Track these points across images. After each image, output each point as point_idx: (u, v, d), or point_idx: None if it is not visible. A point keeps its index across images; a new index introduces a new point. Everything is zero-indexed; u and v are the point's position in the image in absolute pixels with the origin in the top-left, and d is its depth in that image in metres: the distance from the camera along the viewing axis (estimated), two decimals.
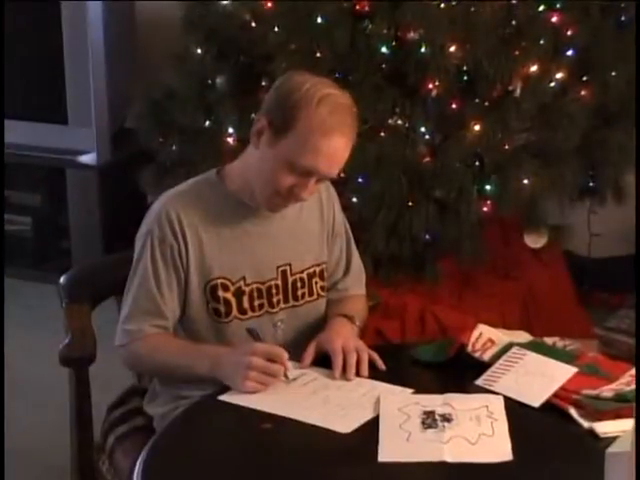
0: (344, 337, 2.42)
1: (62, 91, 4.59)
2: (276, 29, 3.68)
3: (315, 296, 2.57)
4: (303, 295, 2.54)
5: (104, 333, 2.55)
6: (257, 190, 2.42)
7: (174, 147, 3.85)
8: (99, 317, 2.65)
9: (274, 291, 2.50)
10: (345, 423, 2.15)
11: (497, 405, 2.19)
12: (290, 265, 2.52)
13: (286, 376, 2.30)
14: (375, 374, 2.35)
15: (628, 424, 1.92)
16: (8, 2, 4.58)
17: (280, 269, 2.51)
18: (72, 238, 4.73)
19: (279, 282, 2.50)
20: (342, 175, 3.52)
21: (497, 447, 2.05)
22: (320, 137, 2.30)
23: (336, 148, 2.32)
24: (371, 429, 2.13)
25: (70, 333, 2.57)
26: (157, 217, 2.43)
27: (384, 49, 3.52)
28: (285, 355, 2.29)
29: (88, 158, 4.65)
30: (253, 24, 3.73)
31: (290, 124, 2.31)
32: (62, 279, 2.68)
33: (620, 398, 2.20)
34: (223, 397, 2.27)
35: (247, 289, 2.47)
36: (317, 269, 2.57)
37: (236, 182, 2.47)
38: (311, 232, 2.57)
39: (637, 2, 3.91)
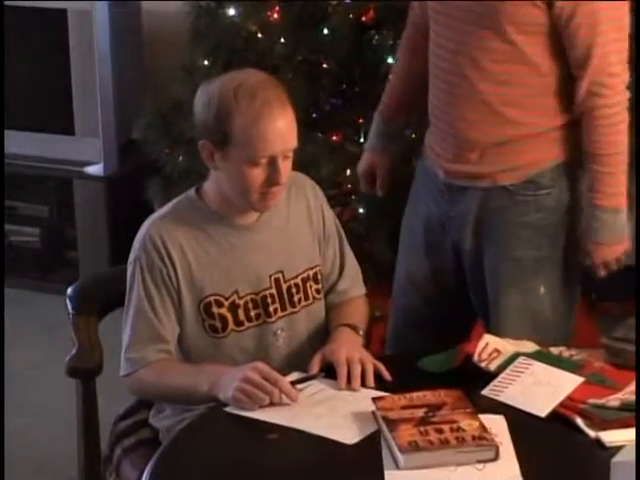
0: (348, 348, 2.42)
1: (69, 102, 4.60)
2: (282, 40, 3.70)
3: (311, 300, 2.57)
4: (299, 300, 2.55)
5: (111, 344, 2.56)
6: (241, 200, 2.45)
7: (181, 158, 3.86)
8: (106, 328, 2.66)
9: (269, 300, 2.51)
10: (350, 434, 2.16)
11: (499, 426, 2.17)
12: (282, 272, 2.53)
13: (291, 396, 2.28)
14: (381, 385, 2.35)
15: (634, 433, 1.93)
16: (15, 12, 4.60)
17: (273, 277, 2.52)
18: (79, 249, 4.74)
19: (273, 291, 2.51)
20: (349, 186, 3.56)
21: (504, 471, 2.03)
22: (259, 126, 2.33)
23: (278, 124, 2.35)
24: (375, 440, 2.13)
25: (77, 344, 2.58)
26: (142, 244, 2.45)
27: (390, 59, 3.53)
28: (283, 381, 2.28)
29: (95, 169, 4.66)
30: (260, 35, 3.75)
31: (229, 133, 2.36)
32: (69, 290, 2.69)
33: (626, 407, 2.20)
34: (229, 408, 2.27)
35: (241, 302, 2.48)
36: (311, 272, 2.57)
37: (215, 200, 2.49)
38: (300, 237, 2.58)
39: (637, 1, 3.88)
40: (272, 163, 2.37)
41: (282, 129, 2.36)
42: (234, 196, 2.45)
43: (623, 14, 2.56)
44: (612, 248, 2.65)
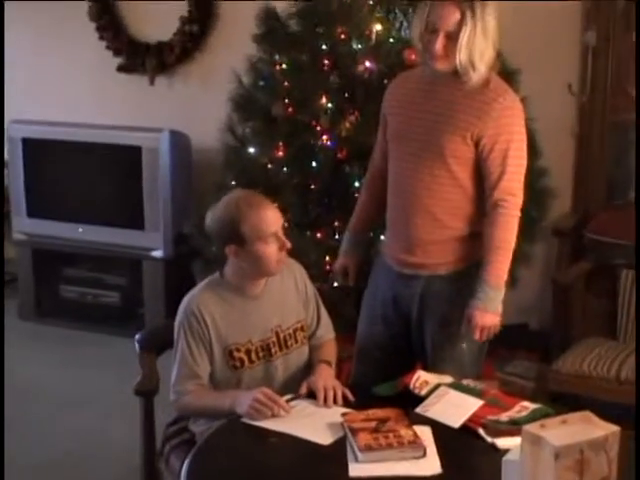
0: (325, 378, 2.41)
1: (141, 208, 4.61)
2: (285, 169, 3.70)
3: (299, 343, 2.55)
4: (292, 344, 2.53)
5: (165, 372, 2.53)
6: (263, 270, 2.44)
7: (214, 248, 3.85)
8: (162, 362, 2.63)
9: (272, 345, 2.49)
10: (325, 437, 2.15)
11: (427, 434, 2.16)
12: (280, 326, 2.51)
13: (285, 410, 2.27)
14: (347, 404, 2.34)
15: (518, 440, 1.91)
16: (107, 147, 4.63)
17: (274, 329, 2.50)
18: (145, 307, 4.72)
19: (274, 339, 2.49)
20: (328, 267, 3.53)
21: (430, 464, 2.03)
22: (261, 218, 2.38)
23: (270, 213, 2.42)
24: (343, 442, 2.12)
25: (142, 373, 2.57)
26: (186, 313, 2.44)
27: (357, 184, 3.53)
28: (281, 400, 2.28)
29: (157, 253, 4.65)
30: (270, 166, 3.74)
31: (242, 231, 2.37)
32: (138, 335, 2.67)
33: (513, 422, 2.18)
34: (244, 419, 2.26)
35: (253, 347, 2.47)
36: (298, 325, 2.55)
37: (233, 279, 2.48)
38: (291, 300, 2.56)
39: (637, 2, 3.72)
40: (276, 237, 2.40)
41: (274, 214, 2.42)
42: (258, 270, 2.44)
43: (524, 154, 2.55)
44: (489, 316, 2.52)
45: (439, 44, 2.44)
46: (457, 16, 2.41)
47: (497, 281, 2.52)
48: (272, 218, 2.41)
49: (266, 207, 2.41)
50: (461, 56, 2.43)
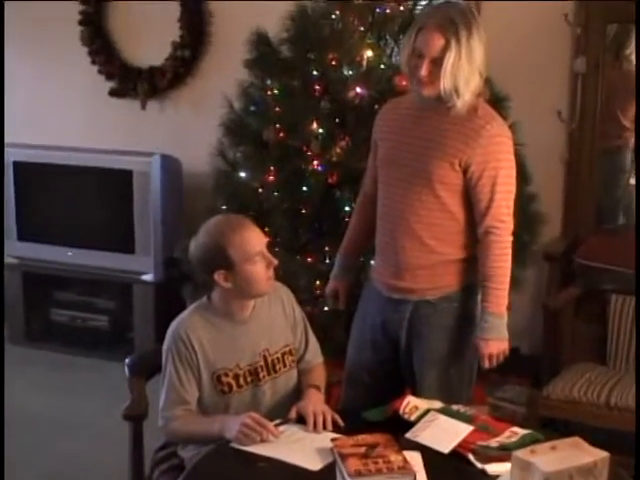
0: (314, 404, 2.40)
1: (132, 232, 4.62)
2: (276, 194, 3.71)
3: (288, 367, 2.54)
4: (280, 368, 2.52)
5: (154, 397, 2.52)
6: (256, 290, 2.44)
7: (202, 276, 3.83)
8: (151, 386, 2.62)
9: (259, 369, 2.48)
10: (315, 463, 2.14)
11: (416, 459, 2.14)
12: (268, 349, 2.50)
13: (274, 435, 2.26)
14: (337, 429, 2.32)
15: (508, 466, 1.91)
16: (98, 170, 4.63)
17: (262, 354, 2.49)
18: (135, 331, 4.71)
19: (262, 363, 2.49)
20: (318, 292, 3.53)
21: None
22: (244, 239, 2.37)
23: (253, 233, 2.41)
24: (332, 468, 2.11)
25: (131, 397, 2.55)
26: (174, 339, 2.44)
27: (347, 208, 3.54)
28: (269, 425, 2.26)
29: (148, 277, 4.65)
30: (260, 190, 3.75)
31: (229, 255, 2.36)
32: (127, 360, 2.66)
33: (503, 447, 2.18)
34: (233, 444, 2.24)
35: (241, 372, 2.46)
36: (287, 349, 2.54)
37: (221, 303, 2.48)
38: (279, 324, 2.55)
39: (637, 2, 3.69)
40: (262, 255, 2.40)
41: (257, 234, 2.41)
42: (249, 291, 2.43)
43: (513, 181, 2.55)
44: (495, 344, 2.55)
45: (424, 70, 2.45)
46: (442, 42, 2.42)
47: (498, 309, 2.54)
48: (256, 238, 2.41)
49: (248, 228, 2.42)
50: (445, 82, 2.44)
